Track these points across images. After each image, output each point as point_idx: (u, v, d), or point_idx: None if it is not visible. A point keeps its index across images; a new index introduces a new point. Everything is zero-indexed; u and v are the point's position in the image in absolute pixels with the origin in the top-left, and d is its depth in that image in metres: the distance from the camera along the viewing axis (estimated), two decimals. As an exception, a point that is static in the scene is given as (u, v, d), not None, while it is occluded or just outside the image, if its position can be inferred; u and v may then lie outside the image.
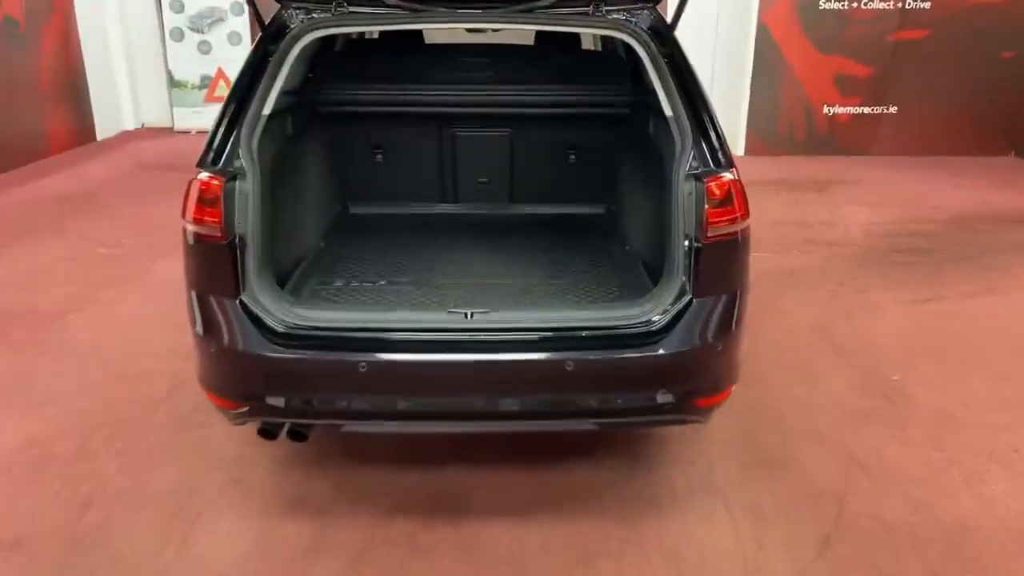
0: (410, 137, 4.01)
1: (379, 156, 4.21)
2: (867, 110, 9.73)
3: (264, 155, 2.89)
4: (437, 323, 2.72)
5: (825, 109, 9.69)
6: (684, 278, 2.73)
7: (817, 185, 8.45)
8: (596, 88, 3.96)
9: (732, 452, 3.47)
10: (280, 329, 2.60)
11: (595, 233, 4.06)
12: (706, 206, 2.70)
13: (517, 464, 3.32)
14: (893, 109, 9.71)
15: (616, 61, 4.16)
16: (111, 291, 5.19)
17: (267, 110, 2.87)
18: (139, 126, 11.42)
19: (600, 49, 4.76)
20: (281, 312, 2.70)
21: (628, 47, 3.14)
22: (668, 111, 2.89)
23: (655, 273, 3.23)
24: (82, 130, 10.16)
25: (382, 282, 3.34)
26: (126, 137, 10.90)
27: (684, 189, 2.75)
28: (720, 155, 2.81)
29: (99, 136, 10.53)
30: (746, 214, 2.80)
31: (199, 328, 2.77)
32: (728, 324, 2.80)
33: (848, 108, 9.73)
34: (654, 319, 2.70)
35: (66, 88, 9.81)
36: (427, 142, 4.04)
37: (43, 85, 9.25)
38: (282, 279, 3.20)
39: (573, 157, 4.25)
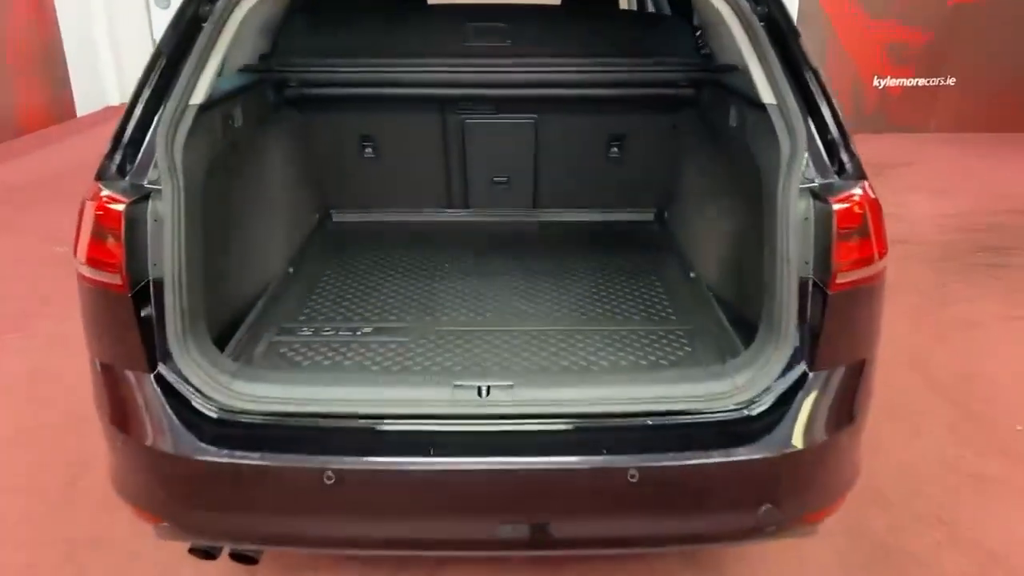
0: (407, 126, 3.31)
1: (368, 150, 3.36)
2: (922, 82, 8.79)
3: (197, 159, 2.09)
4: (437, 406, 1.93)
5: (875, 82, 8.74)
6: (795, 338, 1.93)
7: (871, 169, 7.48)
8: (648, 61, 3.07)
9: (830, 545, 2.65)
10: (213, 414, 1.91)
11: (644, 248, 3.25)
12: (834, 238, 1.85)
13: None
14: (951, 81, 8.75)
15: (674, 25, 3.25)
16: (61, 303, 4.32)
17: (198, 97, 2.02)
18: (125, 101, 10.55)
19: (642, 8, 3.83)
20: (216, 389, 1.93)
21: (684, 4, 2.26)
22: (768, 97, 2.04)
23: (734, 314, 2.46)
24: (60, 106, 9.36)
25: (366, 329, 2.51)
26: (110, 113, 10.05)
27: (796, 210, 1.90)
28: (847, 161, 1.98)
29: (79, 112, 9.74)
30: (885, 249, 1.96)
31: (102, 412, 1.97)
32: (856, 407, 1.98)
33: (901, 80, 8.77)
34: (755, 400, 1.92)
35: (40, 60, 8.98)
36: (429, 132, 3.29)
37: (12, 57, 8.42)
38: (231, 326, 2.38)
39: (616, 150, 3.38)
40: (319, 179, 3.40)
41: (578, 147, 3.33)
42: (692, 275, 2.87)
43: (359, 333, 2.50)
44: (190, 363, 1.93)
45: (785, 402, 1.91)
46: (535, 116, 3.26)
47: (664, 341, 2.44)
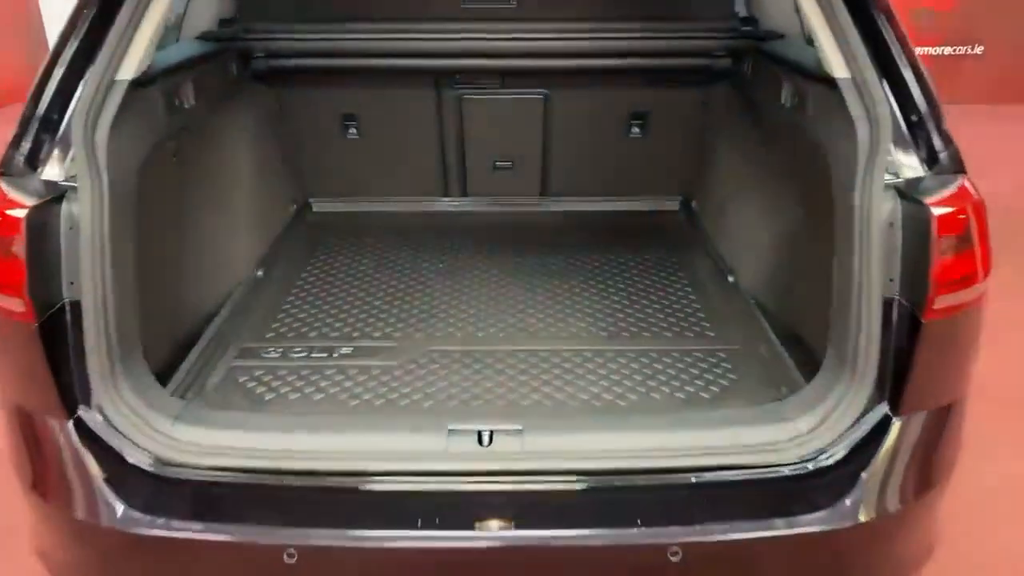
0: (396, 102, 2.93)
1: (352, 131, 2.94)
2: (948, 50, 8.30)
3: (129, 148, 1.71)
4: (426, 459, 1.57)
5: (900, 50, 8.24)
6: (874, 375, 1.55)
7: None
8: (677, 27, 2.64)
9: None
10: (147, 467, 1.54)
11: (670, 243, 2.85)
12: (932, 250, 1.49)
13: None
14: (979, 49, 8.26)
15: None
16: None
17: (127, 71, 1.61)
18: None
19: None
20: (151, 436, 1.56)
21: None
22: (840, 69, 1.64)
23: (784, 329, 2.11)
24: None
25: (345, 350, 2.13)
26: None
27: (879, 213, 1.52)
28: (942, 150, 1.60)
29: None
30: (990, 265, 1.57)
31: (14, 465, 1.59)
32: (946, 461, 1.61)
33: (925, 49, 8.28)
34: (824, 451, 1.54)
35: (12, 25, 8.49)
36: (421, 109, 2.95)
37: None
38: (183, 349, 2.00)
39: (637, 130, 2.96)
40: (295, 165, 2.98)
41: (594, 126, 2.95)
42: (730, 278, 2.47)
43: (336, 355, 2.10)
44: (119, 404, 1.57)
45: (862, 454, 1.55)
46: (545, 91, 2.88)
47: (703, 365, 2.05)
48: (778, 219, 2.29)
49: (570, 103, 2.87)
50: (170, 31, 2.24)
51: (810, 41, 1.93)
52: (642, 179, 3.07)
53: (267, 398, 1.92)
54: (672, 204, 3.11)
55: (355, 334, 2.22)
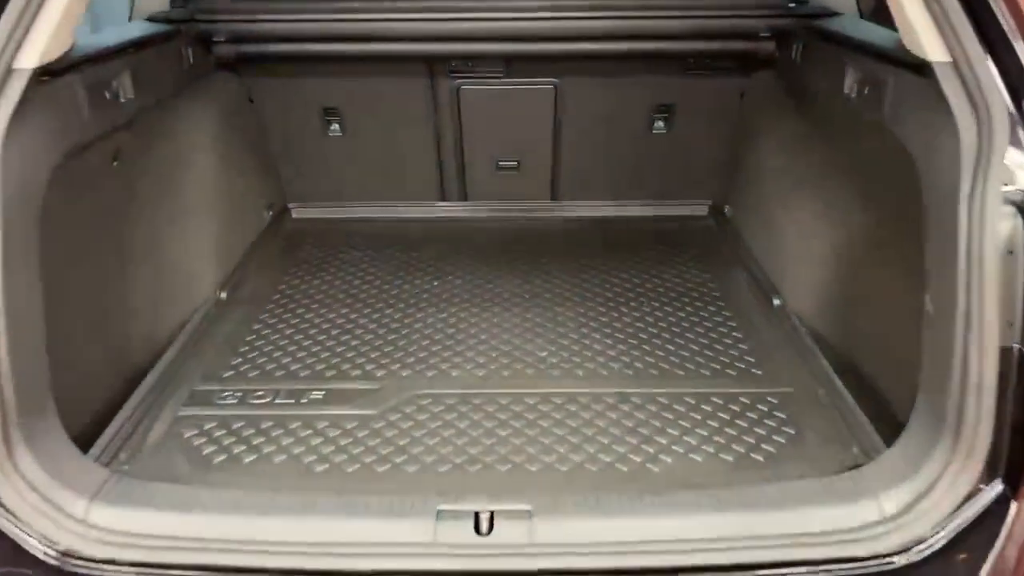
0: (383, 94, 2.56)
1: (334, 126, 2.57)
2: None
3: (35, 154, 1.37)
4: (405, 555, 1.25)
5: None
6: (987, 445, 1.22)
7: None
8: (710, 2, 2.26)
9: None
10: (52, 561, 1.23)
11: (702, 256, 2.49)
12: None
13: None
14: None
15: None
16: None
17: (30, 58, 1.28)
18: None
19: None
20: (58, 522, 1.24)
21: None
22: (936, 51, 1.30)
23: (847, 367, 1.79)
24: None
25: (315, 394, 1.78)
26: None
27: (995, 235, 1.20)
28: None
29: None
30: None
31: None
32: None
33: None
34: (921, 541, 1.22)
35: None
36: (414, 101, 2.56)
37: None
38: (122, 394, 1.66)
39: (661, 124, 2.58)
40: (270, 166, 2.60)
41: (612, 121, 2.59)
42: (776, 301, 2.09)
43: (305, 400, 1.74)
44: (14, 480, 1.26)
45: (970, 548, 1.22)
46: (556, 80, 2.53)
47: (751, 415, 1.67)
48: (839, 231, 1.91)
49: (585, 94, 2.49)
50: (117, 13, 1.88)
51: (870, 17, 1.55)
52: (667, 181, 2.69)
53: (216, 460, 1.56)
54: (700, 209, 2.72)
55: (330, 373, 1.85)
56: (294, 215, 2.74)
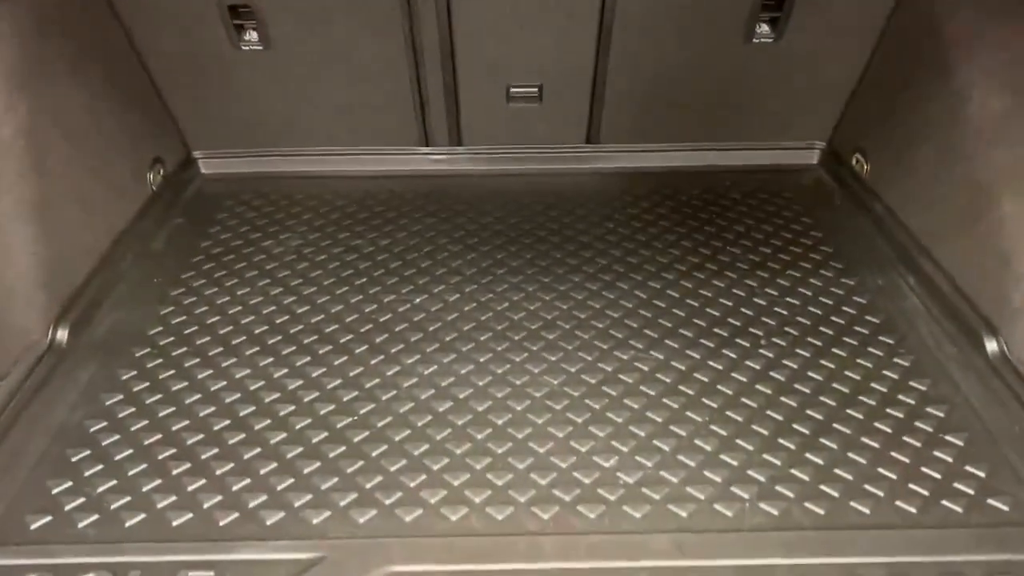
0: None
1: (249, 33, 1.61)
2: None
3: None
4: None
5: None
6: None
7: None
8: None
9: None
10: None
11: (831, 242, 1.61)
12: None
13: None
14: None
15: None
16: None
17: None
18: None
19: None
20: None
21: None
22: None
23: None
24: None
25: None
26: None
27: None
28: None
29: None
30: None
31: None
32: None
33: None
34: None
35: None
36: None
37: None
38: None
39: (767, 28, 1.64)
40: (146, 101, 1.66)
41: (689, 21, 1.63)
42: (991, 345, 1.24)
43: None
44: None
45: None
46: None
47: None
48: None
49: None
50: None
51: None
52: (770, 114, 1.78)
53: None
54: (807, 155, 1.83)
55: (227, 519, 1.02)
56: (203, 169, 1.83)
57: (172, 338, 1.33)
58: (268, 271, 1.51)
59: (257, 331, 1.34)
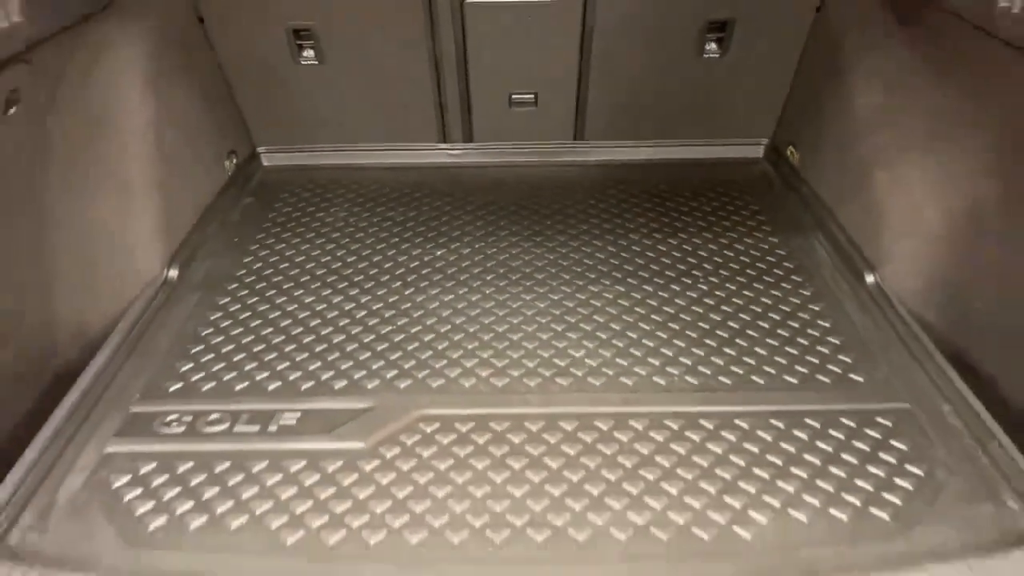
0: (368, 9, 2.01)
1: (306, 52, 2.06)
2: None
3: None
4: None
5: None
6: None
7: None
8: None
9: None
10: None
11: (765, 211, 2.04)
12: None
13: None
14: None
15: None
16: None
17: None
18: None
19: None
20: None
21: None
22: None
23: (981, 377, 1.40)
24: None
25: (287, 417, 1.42)
26: None
27: None
28: None
29: None
30: None
31: None
32: None
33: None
34: None
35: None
36: (406, 19, 2.03)
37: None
38: (25, 427, 1.29)
39: (715, 45, 2.08)
40: (227, 103, 2.11)
41: (654, 41, 2.07)
42: (870, 278, 1.66)
43: (274, 427, 1.33)
44: None
45: None
46: None
47: (861, 444, 1.28)
48: (961, 197, 1.46)
49: (620, 7, 1.97)
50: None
51: None
52: (716, 117, 2.20)
53: (152, 526, 1.16)
54: (753, 150, 2.26)
55: (306, 384, 1.43)
56: (265, 162, 2.27)
57: (254, 277, 1.75)
58: (322, 233, 1.93)
59: (318, 272, 1.76)
